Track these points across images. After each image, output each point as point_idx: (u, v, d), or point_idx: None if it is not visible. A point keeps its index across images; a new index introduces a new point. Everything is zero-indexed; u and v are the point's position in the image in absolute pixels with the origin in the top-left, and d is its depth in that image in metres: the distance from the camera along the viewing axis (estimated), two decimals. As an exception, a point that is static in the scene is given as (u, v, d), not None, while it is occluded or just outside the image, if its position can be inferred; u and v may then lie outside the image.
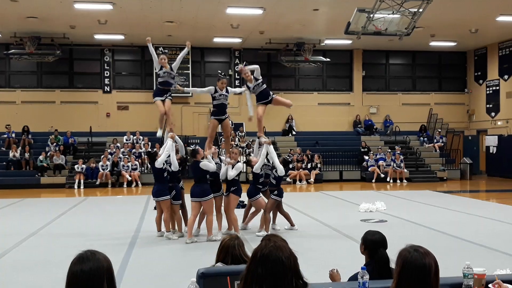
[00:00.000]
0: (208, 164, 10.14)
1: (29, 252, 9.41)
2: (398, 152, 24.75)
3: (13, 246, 9.80)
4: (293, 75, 27.71)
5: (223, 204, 10.62)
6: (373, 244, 4.60)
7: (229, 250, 3.96)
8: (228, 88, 11.45)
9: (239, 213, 11.11)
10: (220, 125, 11.66)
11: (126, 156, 22.86)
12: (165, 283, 7.23)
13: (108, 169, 22.28)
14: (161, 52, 11.43)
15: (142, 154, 23.63)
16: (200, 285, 3.43)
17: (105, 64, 26.44)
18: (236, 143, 24.80)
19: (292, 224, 11.29)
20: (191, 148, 11.28)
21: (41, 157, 22.89)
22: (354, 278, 4.15)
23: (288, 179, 22.54)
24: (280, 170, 10.67)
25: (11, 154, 23.17)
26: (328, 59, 26.14)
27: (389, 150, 25.11)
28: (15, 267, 8.25)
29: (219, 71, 11.46)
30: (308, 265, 8.02)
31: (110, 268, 2.79)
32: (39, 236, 10.88)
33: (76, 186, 21.64)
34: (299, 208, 14.46)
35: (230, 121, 12.62)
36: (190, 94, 26.44)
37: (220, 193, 10.63)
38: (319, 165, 24.10)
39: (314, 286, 3.49)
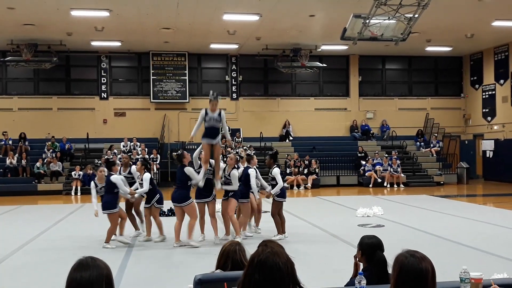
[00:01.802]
0: (193, 172, 10.16)
1: (26, 258, 9.37)
2: (395, 157, 24.78)
3: (10, 253, 9.78)
4: (290, 80, 27.77)
5: (219, 209, 10.62)
6: (370, 248, 4.61)
7: (230, 255, 3.97)
8: (222, 112, 10.82)
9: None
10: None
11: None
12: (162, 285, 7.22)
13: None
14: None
15: (139, 160, 23.58)
16: (198, 291, 3.45)
17: (102, 71, 26.45)
18: (234, 149, 24.77)
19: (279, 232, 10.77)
20: (176, 153, 11.17)
21: (38, 164, 22.86)
22: (351, 283, 4.16)
23: (285, 184, 22.52)
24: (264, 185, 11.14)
25: (8, 161, 23.13)
26: (324, 65, 26.18)
27: (386, 155, 25.17)
28: (12, 274, 8.24)
29: (211, 91, 10.77)
30: (305, 270, 8.05)
31: (109, 274, 2.79)
32: (36, 243, 10.85)
33: (73, 193, 21.58)
34: (297, 213, 14.46)
35: (223, 144, 11.71)
36: (187, 100, 26.49)
37: (211, 198, 10.50)
38: (316, 170, 24.14)
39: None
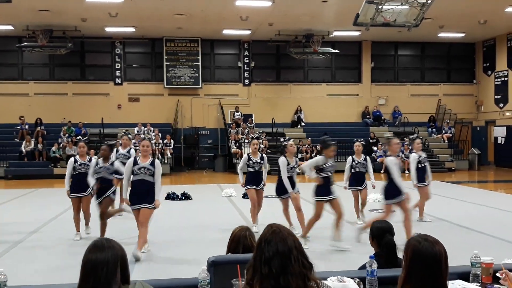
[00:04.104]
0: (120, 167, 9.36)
1: (42, 240, 9.49)
2: (407, 143, 24.64)
3: (27, 235, 9.90)
4: (302, 66, 27.65)
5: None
6: (379, 231, 4.63)
7: (241, 240, 3.98)
8: (264, 156, 10.37)
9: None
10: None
11: (138, 147, 22.89)
12: (177, 270, 7.24)
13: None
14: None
15: (153, 145, 23.71)
16: (210, 273, 3.46)
17: (116, 57, 26.49)
18: (250, 134, 24.83)
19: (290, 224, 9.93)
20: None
21: (54, 148, 23.05)
22: (363, 267, 4.17)
23: (297, 170, 22.52)
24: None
25: (24, 146, 23.34)
26: (337, 51, 26.02)
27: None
28: (29, 255, 8.34)
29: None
30: (318, 253, 8.08)
31: (124, 256, 2.81)
32: (52, 225, 10.97)
33: (88, 177, 21.71)
34: (309, 198, 14.44)
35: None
36: (200, 86, 26.50)
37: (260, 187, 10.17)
38: (328, 156, 24.05)
39: (324, 274, 3.51)
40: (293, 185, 9.48)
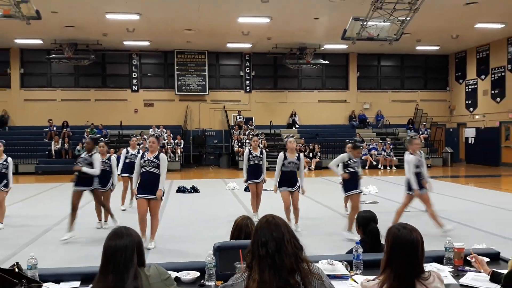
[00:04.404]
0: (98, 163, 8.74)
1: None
2: (388, 142, 24.67)
3: (54, 224, 9.90)
4: (296, 75, 27.64)
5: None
6: (365, 220, 4.62)
7: (243, 228, 3.98)
8: (263, 151, 10.21)
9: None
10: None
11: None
12: (186, 254, 7.24)
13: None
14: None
15: (165, 144, 23.76)
16: (216, 257, 3.47)
17: (133, 67, 26.49)
18: (250, 134, 24.82)
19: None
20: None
21: (78, 147, 22.99)
22: (350, 252, 4.17)
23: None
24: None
25: (53, 145, 23.35)
26: (327, 62, 26.04)
27: (380, 141, 25.06)
28: (55, 242, 8.31)
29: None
30: (310, 240, 8.06)
31: (140, 242, 2.81)
32: (78, 217, 10.93)
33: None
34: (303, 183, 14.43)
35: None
36: (207, 93, 26.49)
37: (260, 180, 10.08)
38: (318, 154, 24.10)
39: (315, 258, 3.51)
40: (294, 180, 8.78)
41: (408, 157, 8.53)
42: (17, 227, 9.69)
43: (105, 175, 9.38)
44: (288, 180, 8.72)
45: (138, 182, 7.88)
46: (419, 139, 8.69)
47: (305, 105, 27.38)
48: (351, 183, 8.45)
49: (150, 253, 7.36)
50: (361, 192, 8.68)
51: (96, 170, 8.57)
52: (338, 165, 8.71)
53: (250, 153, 10.08)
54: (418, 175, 8.58)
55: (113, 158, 9.76)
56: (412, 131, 27.00)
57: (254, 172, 10.01)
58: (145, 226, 7.78)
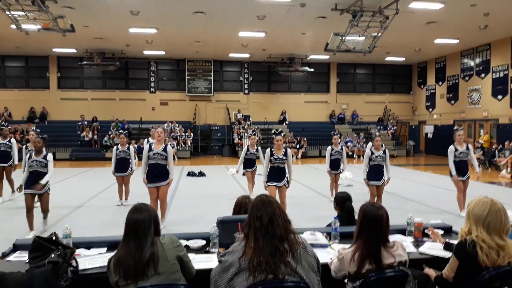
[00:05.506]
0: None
1: (97, 204, 9.46)
2: (362, 136, 24.68)
3: (86, 200, 9.88)
4: (287, 80, 27.55)
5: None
6: (342, 199, 4.64)
7: (242, 205, 3.99)
8: (259, 148, 10.32)
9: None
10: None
11: (166, 138, 22.84)
12: (195, 226, 7.25)
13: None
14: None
15: (178, 137, 23.71)
16: (219, 229, 3.48)
17: (151, 72, 26.35)
18: (248, 130, 24.73)
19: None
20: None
21: (105, 138, 22.98)
22: (330, 225, 4.19)
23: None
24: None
25: (84, 136, 23.27)
26: (312, 69, 25.94)
27: (355, 135, 25.07)
28: (88, 214, 8.32)
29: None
30: (297, 215, 8.09)
31: (156, 216, 2.83)
32: (104, 194, 10.92)
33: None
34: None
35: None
36: (212, 94, 26.40)
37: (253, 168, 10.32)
38: (304, 146, 24.10)
39: (300, 230, 3.52)
40: (282, 176, 7.49)
41: (450, 148, 8.25)
42: (55, 202, 9.67)
43: (126, 162, 9.39)
44: (276, 175, 7.47)
45: (146, 171, 7.29)
46: (462, 131, 8.19)
47: (294, 105, 27.35)
48: (371, 174, 8.35)
49: (165, 224, 7.35)
50: (379, 185, 8.33)
51: (51, 173, 6.88)
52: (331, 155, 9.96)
53: (248, 149, 10.35)
54: (459, 163, 8.18)
55: (132, 147, 9.70)
56: (381, 127, 27.09)
57: (250, 164, 10.39)
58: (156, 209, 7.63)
